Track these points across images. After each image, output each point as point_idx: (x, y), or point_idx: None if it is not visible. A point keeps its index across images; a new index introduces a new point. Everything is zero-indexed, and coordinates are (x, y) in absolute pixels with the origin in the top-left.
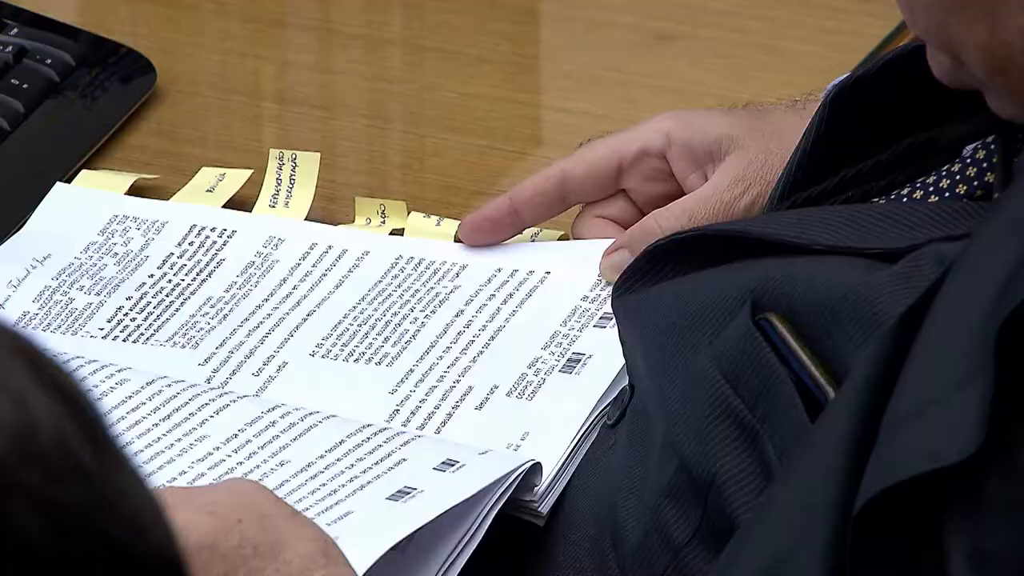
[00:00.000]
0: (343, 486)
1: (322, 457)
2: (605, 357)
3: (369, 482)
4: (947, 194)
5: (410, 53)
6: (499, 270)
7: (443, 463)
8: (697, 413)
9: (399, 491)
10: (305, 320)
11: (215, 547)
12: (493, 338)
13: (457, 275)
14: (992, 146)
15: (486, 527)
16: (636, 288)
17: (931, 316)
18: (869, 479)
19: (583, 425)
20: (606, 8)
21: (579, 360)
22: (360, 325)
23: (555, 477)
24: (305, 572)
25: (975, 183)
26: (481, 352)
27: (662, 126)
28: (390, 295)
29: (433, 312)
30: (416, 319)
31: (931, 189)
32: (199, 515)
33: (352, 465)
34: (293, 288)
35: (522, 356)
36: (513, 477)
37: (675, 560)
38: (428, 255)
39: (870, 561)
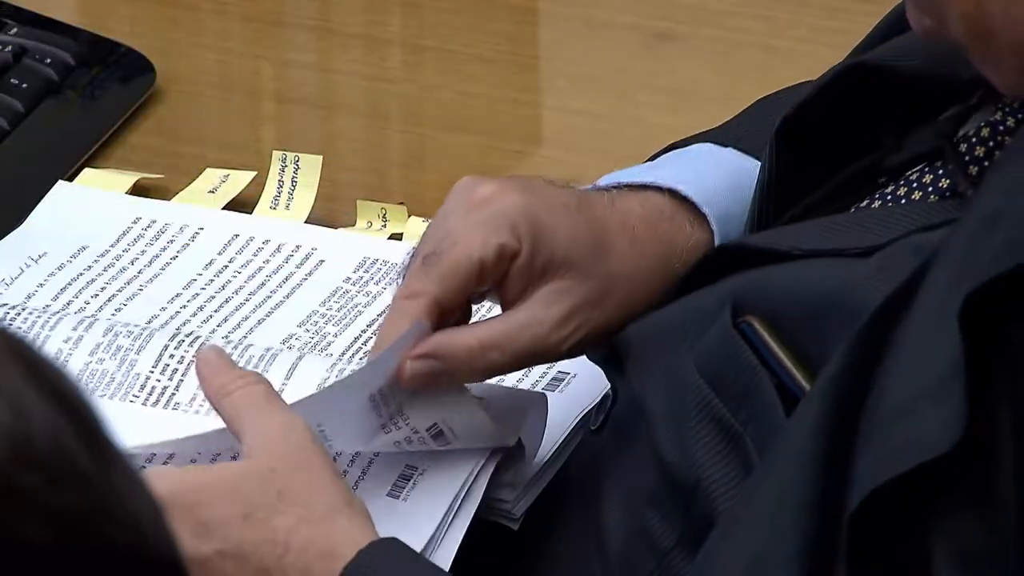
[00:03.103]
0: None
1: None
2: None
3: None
4: None
5: (410, 53)
6: None
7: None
8: (680, 417)
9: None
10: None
11: (236, 494)
12: None
13: None
14: (940, 171)
15: (490, 472)
16: None
17: (913, 311)
18: (863, 478)
19: (564, 434)
20: (606, 8)
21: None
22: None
23: (532, 481)
24: (327, 518)
25: (947, 195)
26: None
27: (513, 228)
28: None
29: None
30: None
31: (902, 200)
32: (227, 467)
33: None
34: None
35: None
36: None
37: (660, 565)
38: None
39: (862, 560)
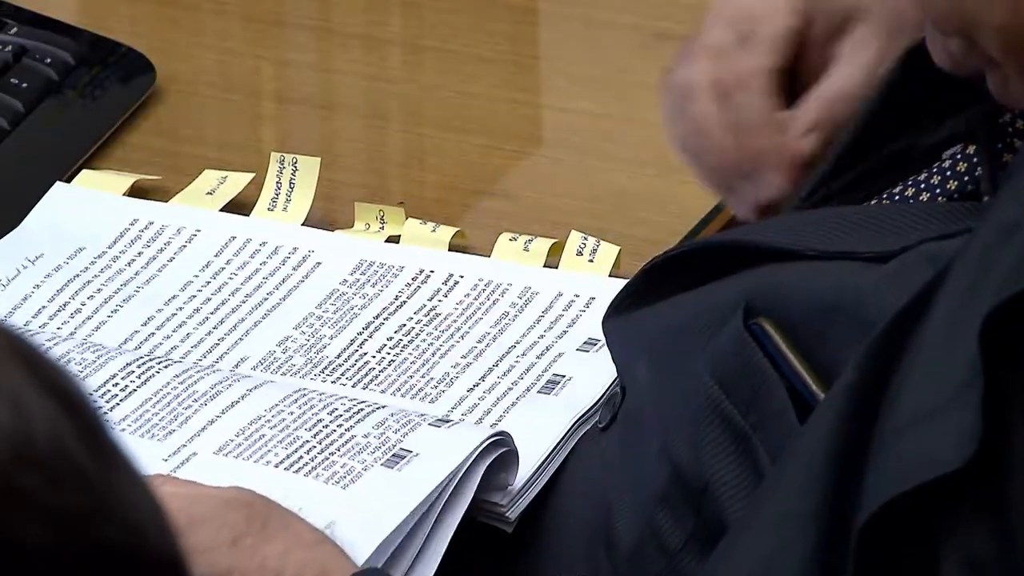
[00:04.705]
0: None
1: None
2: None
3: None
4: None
5: (410, 53)
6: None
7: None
8: (690, 418)
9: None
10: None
11: (223, 520)
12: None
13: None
14: (974, 158)
15: (476, 482)
16: (628, 310)
17: (928, 321)
18: (874, 488)
19: (560, 436)
20: (606, 8)
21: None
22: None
23: (527, 483)
24: (317, 544)
25: (955, 197)
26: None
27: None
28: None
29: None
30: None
31: (911, 201)
32: (209, 496)
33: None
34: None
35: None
36: (497, 441)
37: (668, 566)
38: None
39: (869, 568)
